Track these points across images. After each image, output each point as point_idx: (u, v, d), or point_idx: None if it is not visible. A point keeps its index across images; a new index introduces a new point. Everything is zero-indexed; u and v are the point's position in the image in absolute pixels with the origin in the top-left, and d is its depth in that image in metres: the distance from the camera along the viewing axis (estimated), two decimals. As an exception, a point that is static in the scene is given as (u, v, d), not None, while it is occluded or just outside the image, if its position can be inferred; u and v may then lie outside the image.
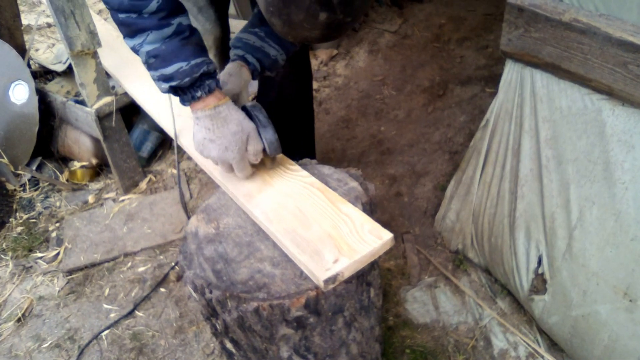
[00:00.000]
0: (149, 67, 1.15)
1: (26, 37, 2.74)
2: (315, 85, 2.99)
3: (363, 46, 3.29)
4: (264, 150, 1.20)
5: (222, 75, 1.30)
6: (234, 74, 1.29)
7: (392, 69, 3.04)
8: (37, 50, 3.38)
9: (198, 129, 1.18)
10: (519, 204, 1.55)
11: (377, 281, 1.25)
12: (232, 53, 1.35)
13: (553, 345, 1.61)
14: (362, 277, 1.14)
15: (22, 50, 2.50)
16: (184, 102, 1.18)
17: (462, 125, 2.51)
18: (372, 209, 1.26)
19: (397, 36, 3.32)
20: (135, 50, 1.15)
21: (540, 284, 1.55)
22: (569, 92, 1.30)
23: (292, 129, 1.81)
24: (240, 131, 1.15)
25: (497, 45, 2.96)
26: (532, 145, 1.46)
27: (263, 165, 1.29)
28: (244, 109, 1.22)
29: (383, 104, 2.81)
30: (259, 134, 1.18)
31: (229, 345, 1.25)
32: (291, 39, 1.08)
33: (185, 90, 1.15)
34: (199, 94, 1.14)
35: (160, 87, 1.16)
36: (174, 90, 1.16)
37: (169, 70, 1.12)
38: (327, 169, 1.35)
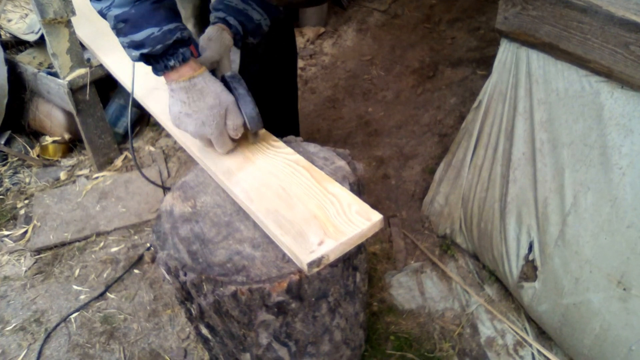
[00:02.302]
0: (118, 32, 1.07)
1: (-3, 6, 2.63)
2: (301, 63, 2.97)
3: (351, 25, 3.27)
4: (245, 124, 1.15)
5: (201, 40, 1.22)
6: (214, 39, 1.22)
7: (381, 49, 3.02)
8: (9, 21, 3.27)
9: (173, 102, 1.12)
10: (511, 189, 1.53)
11: (363, 265, 1.23)
12: (213, 16, 1.28)
13: (542, 333, 1.60)
14: (348, 260, 1.11)
15: (-10, 18, 2.39)
16: (156, 71, 1.11)
17: (452, 107, 2.50)
18: (360, 189, 1.22)
19: (387, 15, 3.29)
20: (103, 14, 1.07)
21: (530, 271, 1.53)
22: (566, 73, 1.28)
23: (275, 104, 1.75)
24: (218, 105, 1.09)
25: (489, 27, 3.05)
26: (526, 128, 1.44)
27: (245, 139, 1.24)
28: (223, 79, 1.16)
29: (371, 84, 2.79)
30: (239, 108, 1.12)
31: (204, 330, 1.22)
32: (276, 2, 1.01)
33: (158, 59, 1.08)
34: (172, 63, 1.07)
35: (131, 54, 1.09)
36: (145, 59, 1.08)
37: (139, 36, 1.04)
38: (313, 147, 1.30)
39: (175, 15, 1.09)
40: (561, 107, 1.31)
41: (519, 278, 1.56)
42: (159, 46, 1.04)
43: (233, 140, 1.18)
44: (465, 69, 2.74)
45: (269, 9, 1.30)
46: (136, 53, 1.06)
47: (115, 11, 1.03)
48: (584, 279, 1.35)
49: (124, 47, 1.09)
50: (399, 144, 2.36)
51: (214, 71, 1.21)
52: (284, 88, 1.86)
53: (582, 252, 1.34)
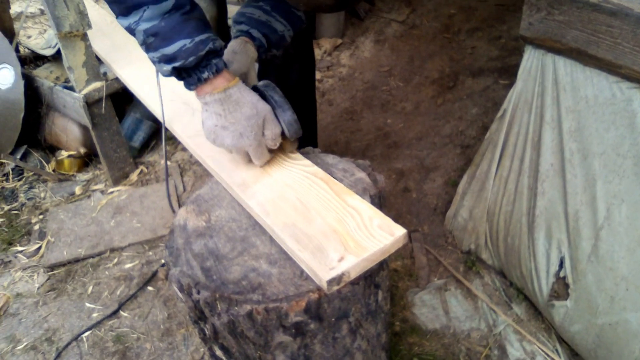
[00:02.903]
0: (148, 48, 1.05)
1: (17, 25, 2.66)
2: (318, 75, 2.98)
3: (369, 36, 3.28)
4: (282, 133, 1.12)
5: (225, 54, 1.20)
6: (239, 52, 1.20)
7: (399, 60, 3.02)
8: (29, 37, 3.34)
9: (208, 116, 1.09)
10: (539, 201, 1.50)
11: (385, 283, 1.17)
12: (235, 29, 1.27)
13: (574, 355, 1.54)
14: (370, 277, 1.06)
15: (10, 34, 2.44)
16: (189, 86, 1.08)
17: (474, 118, 2.47)
18: (381, 202, 1.18)
19: (405, 26, 3.30)
20: (131, 29, 1.05)
21: (561, 289, 1.49)
22: (595, 80, 1.26)
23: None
24: (256, 114, 1.07)
25: (510, 36, 3.03)
26: (554, 138, 1.41)
27: (282, 149, 1.21)
28: (255, 89, 1.13)
29: (390, 95, 2.78)
30: (276, 116, 1.10)
31: (218, 352, 1.18)
32: (303, 7, 0.99)
33: (190, 72, 1.06)
34: (205, 75, 1.05)
35: (162, 69, 1.07)
36: (177, 73, 1.06)
37: (171, 49, 1.02)
38: (331, 158, 1.28)
39: (205, 26, 1.07)
40: (591, 116, 1.29)
41: (549, 296, 1.52)
42: (191, 58, 1.02)
43: (270, 151, 1.16)
44: (486, 78, 2.72)
45: (291, 19, 1.28)
46: (168, 67, 1.04)
47: (145, 25, 1.01)
48: (620, 297, 1.31)
49: (154, 62, 1.06)
50: (420, 156, 2.33)
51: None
52: (302, 99, 1.84)
53: (618, 269, 1.30)
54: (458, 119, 2.48)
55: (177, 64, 1.03)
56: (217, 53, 1.06)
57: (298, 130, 1.13)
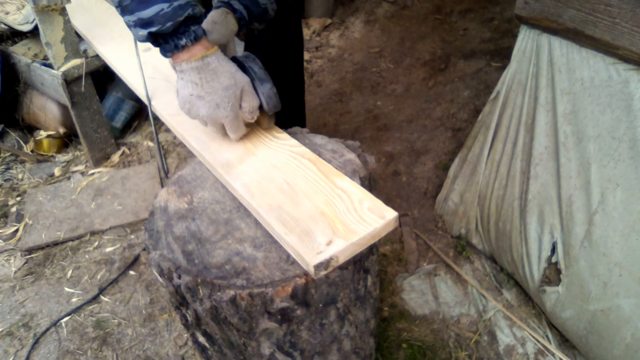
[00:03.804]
0: (123, 10, 1.00)
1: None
2: (306, 56, 2.95)
3: (359, 16, 3.26)
4: (261, 106, 1.10)
5: (205, 24, 1.16)
6: (219, 22, 1.17)
7: (390, 41, 3.00)
8: (7, 13, 3.23)
9: (183, 84, 1.06)
10: (532, 185, 1.49)
11: (375, 268, 1.16)
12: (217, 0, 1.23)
13: (565, 341, 1.54)
14: (359, 262, 1.03)
15: (-17, 8, 2.35)
16: (165, 52, 1.04)
17: (466, 100, 2.46)
18: (371, 184, 1.16)
19: (396, 6, 3.28)
20: None
21: (553, 274, 1.48)
22: (591, 61, 1.25)
23: (280, 95, 1.68)
24: (234, 85, 1.04)
25: (503, 17, 3.00)
26: (549, 120, 1.40)
27: (258, 125, 1.18)
28: (234, 60, 1.11)
29: (380, 77, 2.76)
30: (255, 88, 1.08)
31: (201, 339, 1.16)
32: None
33: (167, 38, 1.01)
34: (183, 42, 1.01)
35: (137, 34, 1.02)
36: (153, 38, 1.02)
37: (148, 12, 0.98)
38: (320, 139, 1.24)
39: None
40: (586, 98, 1.28)
41: (540, 282, 1.51)
42: (169, 24, 0.98)
43: (247, 125, 1.13)
44: (478, 60, 2.71)
45: None
46: (144, 32, 1.00)
47: None
48: (613, 283, 1.31)
49: (129, 26, 1.02)
50: (410, 139, 2.31)
51: None
52: (289, 78, 1.80)
53: (611, 254, 1.30)
54: (449, 101, 2.47)
55: (153, 29, 0.98)
56: (197, 20, 1.02)
57: (277, 104, 1.10)
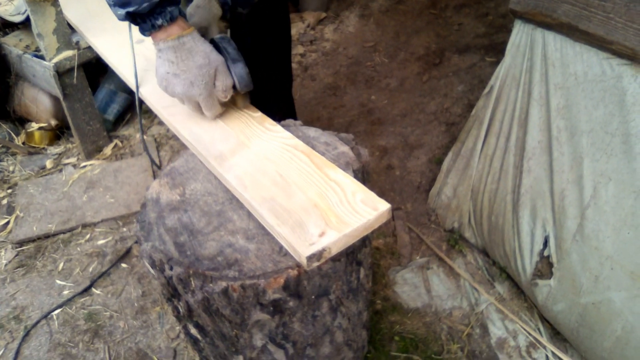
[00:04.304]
0: None
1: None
2: (301, 49, 2.94)
3: (354, 10, 3.25)
4: (234, 86, 1.13)
5: (189, 8, 1.19)
6: (202, 6, 1.19)
7: (385, 35, 2.99)
8: None
9: (160, 63, 1.10)
10: (525, 180, 1.48)
11: (368, 260, 1.15)
12: None
13: (556, 334, 1.54)
14: (352, 254, 1.03)
15: (-26, -2, 2.33)
16: (143, 31, 1.08)
17: (459, 95, 2.45)
18: (364, 176, 1.15)
19: (391, 1, 3.27)
20: None
21: (545, 268, 1.48)
22: (585, 56, 1.24)
23: (267, 82, 1.70)
24: (207, 64, 1.08)
25: (497, 13, 3.00)
26: (542, 115, 1.40)
27: (234, 104, 1.22)
28: (212, 42, 1.14)
29: (374, 71, 2.74)
30: (228, 68, 1.12)
31: (193, 330, 1.16)
32: None
33: (145, 18, 1.05)
34: (159, 22, 1.05)
35: (117, 13, 1.06)
36: (131, 18, 1.05)
37: None
38: (313, 132, 1.24)
39: None
40: (580, 93, 1.27)
41: (532, 275, 1.51)
42: (145, 4, 1.00)
43: (222, 104, 1.17)
44: (473, 55, 2.70)
45: None
46: (122, 12, 1.03)
47: None
48: (605, 277, 1.31)
49: (109, 5, 1.05)
50: (404, 133, 2.30)
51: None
52: (275, 65, 1.82)
53: (603, 248, 1.29)
54: (443, 96, 2.46)
55: (130, 9, 1.02)
56: (173, 1, 1.05)
57: (249, 84, 1.14)
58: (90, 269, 1.79)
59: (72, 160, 2.26)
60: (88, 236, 1.91)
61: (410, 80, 2.62)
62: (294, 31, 3.04)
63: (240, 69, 1.11)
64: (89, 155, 2.26)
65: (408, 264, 1.77)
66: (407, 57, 2.77)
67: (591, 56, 1.22)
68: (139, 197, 2.00)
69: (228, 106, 1.21)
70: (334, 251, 0.89)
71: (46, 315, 1.64)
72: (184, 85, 1.09)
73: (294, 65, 2.78)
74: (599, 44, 1.18)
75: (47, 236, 1.91)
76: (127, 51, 1.51)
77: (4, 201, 2.06)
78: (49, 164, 2.23)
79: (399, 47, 2.86)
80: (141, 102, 1.37)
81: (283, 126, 1.20)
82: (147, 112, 2.39)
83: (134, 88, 1.38)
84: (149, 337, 1.57)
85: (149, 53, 1.49)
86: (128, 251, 1.84)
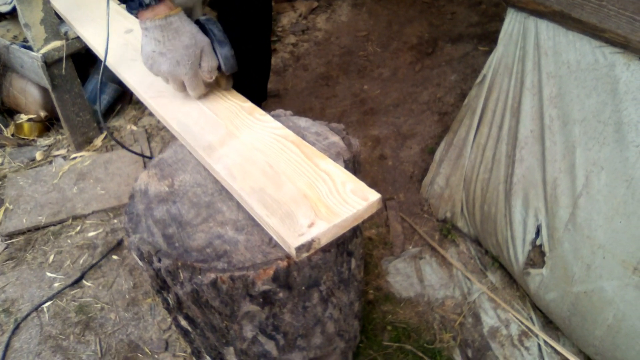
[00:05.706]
0: None
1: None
2: (293, 39, 2.91)
3: None
4: (219, 67, 1.14)
5: None
6: None
7: (377, 25, 2.96)
8: None
9: (147, 41, 1.10)
10: (517, 169, 1.48)
11: (359, 250, 1.15)
12: None
13: (548, 323, 1.54)
14: (342, 245, 1.03)
15: (-40, -13, 2.28)
16: (130, 10, 1.09)
17: (452, 84, 2.43)
18: (355, 166, 1.15)
19: None
20: None
21: (537, 257, 1.48)
22: (578, 44, 1.23)
23: (247, 61, 1.74)
24: (194, 45, 1.09)
25: (490, 2, 2.98)
26: (534, 104, 1.39)
27: (218, 85, 1.23)
28: (197, 22, 1.14)
29: (367, 61, 2.72)
30: (214, 50, 1.13)
31: (183, 322, 1.15)
32: None
33: None
34: (147, 0, 1.05)
35: None
36: None
37: None
38: (304, 122, 1.23)
39: None
40: (572, 81, 1.26)
41: (525, 264, 1.51)
42: None
43: (206, 85, 1.18)
44: (466, 45, 2.68)
45: None
46: None
47: None
48: (597, 266, 1.31)
49: None
50: (396, 123, 2.29)
51: None
52: (257, 46, 1.86)
53: (595, 237, 1.29)
54: (436, 85, 2.45)
55: None
56: None
57: (234, 66, 1.15)
58: (81, 261, 1.78)
59: (62, 151, 2.23)
60: (78, 228, 1.89)
61: (403, 69, 2.60)
62: (285, 21, 3.02)
63: (226, 51, 1.12)
64: (79, 147, 2.23)
65: (401, 253, 1.76)
66: (400, 47, 2.75)
67: (584, 44, 1.21)
68: (130, 188, 1.97)
69: (212, 87, 1.21)
70: (324, 242, 0.88)
71: (36, 308, 1.63)
72: (170, 64, 1.09)
73: (285, 55, 2.76)
74: (591, 32, 1.17)
75: (37, 228, 1.89)
76: (115, 42, 1.49)
77: (-7, 193, 2.04)
78: (38, 155, 2.21)
79: (392, 36, 2.83)
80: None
81: (273, 116, 1.19)
82: (138, 103, 2.36)
83: (115, 72, 1.36)
84: (141, 328, 1.56)
85: (137, 43, 1.47)
86: (119, 243, 1.82)
